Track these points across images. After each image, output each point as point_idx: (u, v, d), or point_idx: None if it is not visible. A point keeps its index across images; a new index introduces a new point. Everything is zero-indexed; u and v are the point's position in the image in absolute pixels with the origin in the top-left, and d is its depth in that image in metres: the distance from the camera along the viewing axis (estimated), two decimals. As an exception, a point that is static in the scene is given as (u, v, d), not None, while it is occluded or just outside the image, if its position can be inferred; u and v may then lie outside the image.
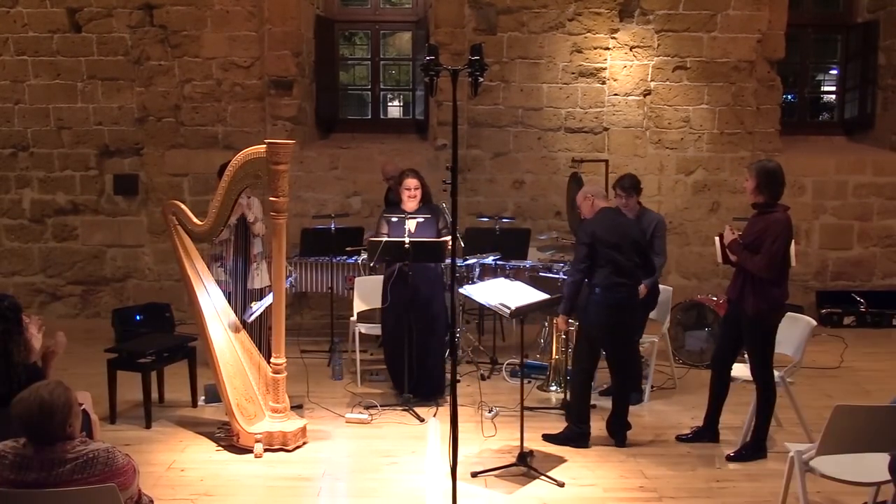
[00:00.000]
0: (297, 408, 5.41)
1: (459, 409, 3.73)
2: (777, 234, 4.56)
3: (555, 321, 4.96)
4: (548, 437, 4.98)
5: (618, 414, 5.04)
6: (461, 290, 4.99)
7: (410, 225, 5.71)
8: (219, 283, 5.59)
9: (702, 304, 6.80)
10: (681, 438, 5.11)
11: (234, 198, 5.05)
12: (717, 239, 5.56)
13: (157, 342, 5.75)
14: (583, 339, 5.02)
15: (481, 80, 3.63)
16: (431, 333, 5.76)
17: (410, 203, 5.82)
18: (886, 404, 3.59)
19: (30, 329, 3.54)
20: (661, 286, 5.89)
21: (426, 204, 5.93)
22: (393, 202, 6.65)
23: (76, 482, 2.61)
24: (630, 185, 5.83)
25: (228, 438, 4.92)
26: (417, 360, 5.64)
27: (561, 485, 4.36)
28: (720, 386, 4.99)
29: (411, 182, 5.81)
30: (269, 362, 5.05)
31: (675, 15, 8.11)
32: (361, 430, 5.25)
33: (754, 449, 4.76)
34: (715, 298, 6.84)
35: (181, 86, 8.12)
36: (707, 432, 5.06)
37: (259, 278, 5.92)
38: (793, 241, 4.70)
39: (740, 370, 5.19)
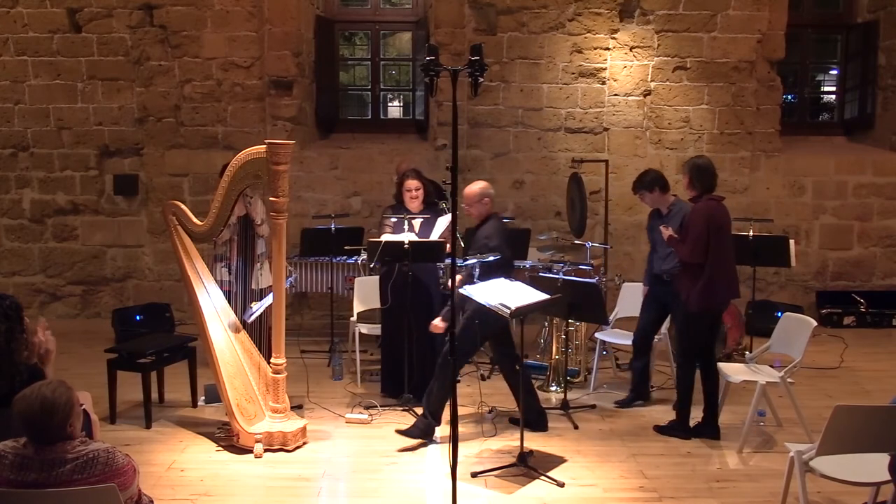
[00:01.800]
0: (297, 408, 5.41)
1: (459, 409, 3.73)
2: (695, 221, 4.86)
3: (434, 323, 5.13)
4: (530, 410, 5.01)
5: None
6: (461, 290, 4.99)
7: (415, 224, 5.72)
8: (222, 283, 5.59)
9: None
10: None
11: (234, 198, 5.05)
12: None
13: (157, 342, 5.75)
14: (470, 343, 4.97)
15: (481, 80, 3.62)
16: (432, 335, 5.75)
17: (413, 204, 5.82)
18: (886, 404, 3.60)
19: (38, 333, 3.50)
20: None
21: (429, 204, 5.93)
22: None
23: (76, 482, 2.61)
24: (642, 184, 5.54)
25: (228, 438, 4.92)
26: (420, 363, 5.63)
27: (561, 485, 4.36)
28: (692, 377, 5.09)
29: (412, 183, 5.81)
30: (269, 362, 5.05)
31: (675, 15, 8.11)
32: (361, 430, 5.25)
33: (695, 426, 5.06)
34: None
35: (181, 86, 8.12)
36: (707, 428, 5.07)
37: (262, 278, 5.92)
38: (726, 227, 4.96)
39: (735, 370, 5.20)
